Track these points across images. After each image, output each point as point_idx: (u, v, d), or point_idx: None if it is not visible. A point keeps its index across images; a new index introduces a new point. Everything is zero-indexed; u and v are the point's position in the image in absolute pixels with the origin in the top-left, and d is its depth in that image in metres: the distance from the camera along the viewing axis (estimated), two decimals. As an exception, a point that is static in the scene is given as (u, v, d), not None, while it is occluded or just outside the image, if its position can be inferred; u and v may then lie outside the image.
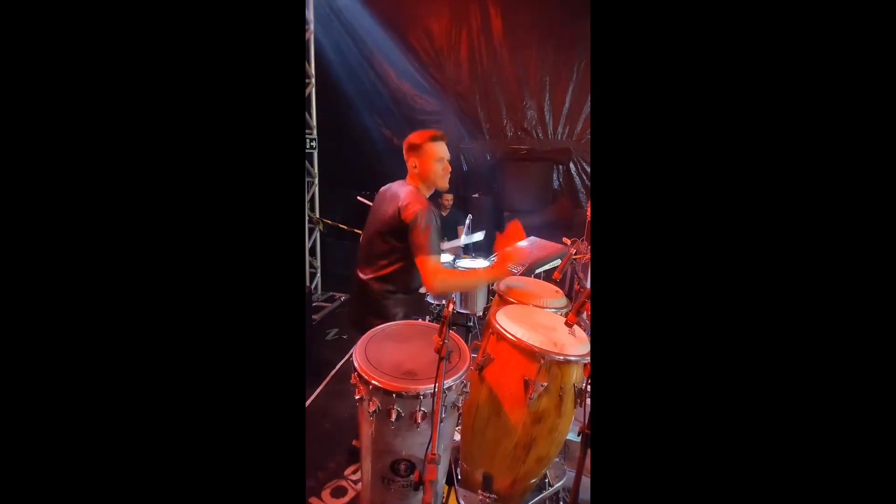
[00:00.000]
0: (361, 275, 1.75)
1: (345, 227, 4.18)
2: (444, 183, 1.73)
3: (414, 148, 1.68)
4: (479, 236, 2.68)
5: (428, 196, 1.72)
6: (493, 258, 2.26)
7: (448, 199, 4.13)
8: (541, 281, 2.15)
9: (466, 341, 1.89)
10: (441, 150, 1.69)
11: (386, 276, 1.70)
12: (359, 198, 2.96)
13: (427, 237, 1.54)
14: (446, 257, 2.51)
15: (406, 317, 1.78)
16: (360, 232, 1.99)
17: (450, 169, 1.74)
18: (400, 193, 1.66)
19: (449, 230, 4.03)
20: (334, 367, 2.90)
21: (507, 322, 1.51)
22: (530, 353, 1.38)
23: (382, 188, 1.82)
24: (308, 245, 4.14)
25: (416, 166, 1.69)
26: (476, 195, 4.49)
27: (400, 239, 1.62)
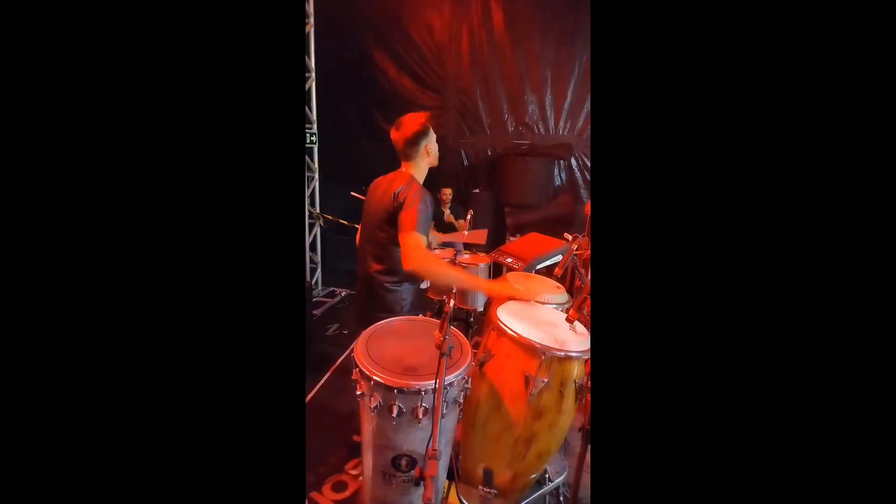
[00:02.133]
0: (366, 268, 1.75)
1: (345, 223, 4.18)
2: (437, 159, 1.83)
3: (423, 133, 1.72)
4: (482, 258, 2.59)
5: (422, 182, 1.73)
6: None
7: (447, 192, 4.12)
8: (542, 277, 2.15)
9: (467, 337, 1.89)
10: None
11: (391, 266, 1.70)
12: (352, 193, 2.95)
13: (414, 216, 1.53)
14: (447, 253, 2.50)
15: (413, 308, 1.78)
16: (359, 227, 1.98)
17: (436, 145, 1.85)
18: (396, 182, 1.67)
19: (448, 225, 4.02)
20: (335, 362, 2.90)
21: (508, 318, 1.51)
22: (531, 349, 1.38)
23: (376, 180, 1.82)
24: (308, 240, 4.14)
25: (428, 148, 1.74)
26: (477, 190, 4.48)
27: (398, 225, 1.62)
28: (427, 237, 1.58)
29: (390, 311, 1.70)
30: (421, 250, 1.51)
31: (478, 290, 1.60)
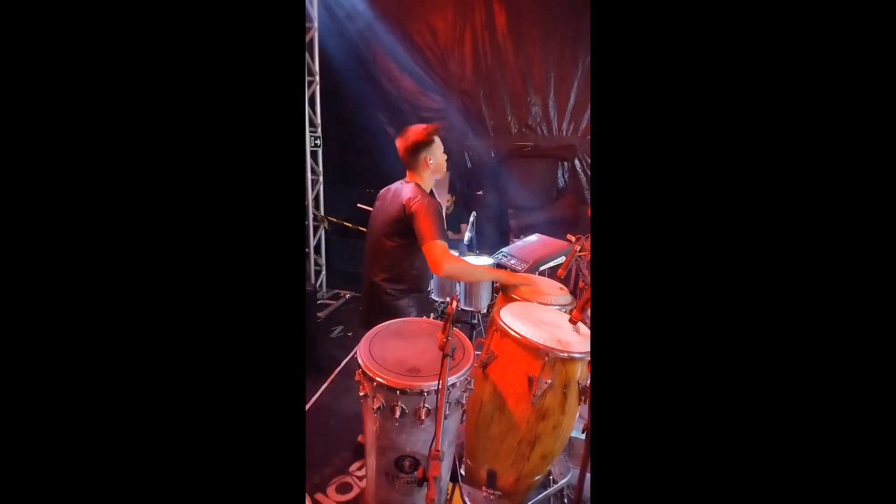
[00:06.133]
0: (371, 277, 1.76)
1: (349, 225, 4.19)
2: (445, 171, 1.84)
3: (426, 144, 1.72)
4: (485, 260, 2.59)
5: (429, 192, 1.73)
6: (500, 256, 2.26)
7: (448, 199, 4.12)
8: (545, 278, 2.15)
9: (470, 338, 1.89)
10: (441, 142, 1.79)
11: (395, 275, 1.71)
12: (359, 205, 2.98)
13: (431, 223, 1.55)
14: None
15: (417, 316, 1.79)
16: (364, 230, 2.00)
17: (446, 157, 1.84)
18: (402, 191, 1.68)
19: (451, 228, 4.02)
20: (339, 364, 2.91)
21: (511, 319, 1.51)
22: (534, 350, 1.38)
23: (383, 190, 1.83)
24: (313, 243, 4.16)
25: (430, 160, 1.73)
26: (480, 192, 4.48)
27: (406, 235, 1.63)
28: (447, 241, 1.60)
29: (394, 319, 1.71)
30: (448, 256, 1.54)
31: (500, 280, 1.78)
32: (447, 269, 1.53)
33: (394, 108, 4.67)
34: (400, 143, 1.73)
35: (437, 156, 1.75)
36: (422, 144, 1.70)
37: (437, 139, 1.75)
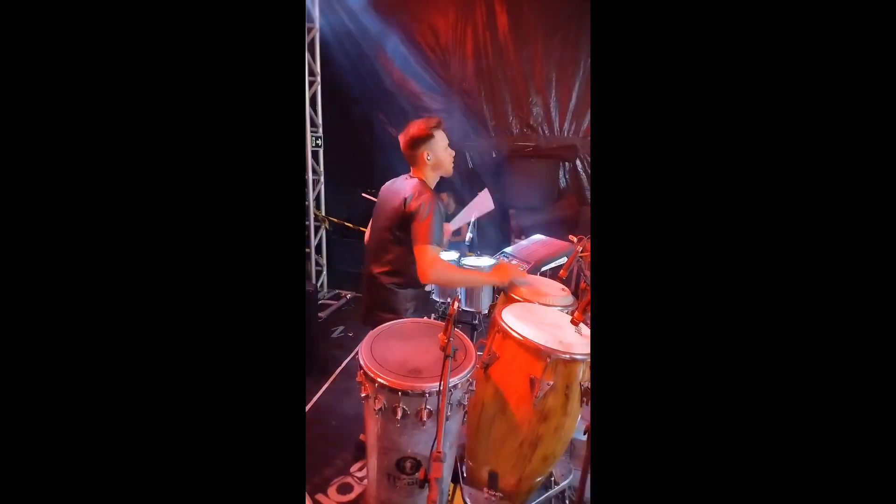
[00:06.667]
0: (370, 269, 1.76)
1: (350, 225, 4.19)
2: (451, 168, 1.77)
3: (425, 139, 1.69)
4: (487, 261, 2.57)
5: (433, 188, 1.72)
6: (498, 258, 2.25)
7: (443, 198, 4.12)
8: (547, 279, 2.14)
9: (472, 339, 1.89)
10: (445, 137, 1.74)
11: (395, 269, 1.70)
12: (363, 194, 2.97)
13: (427, 227, 1.54)
14: (451, 255, 2.50)
15: (416, 311, 1.78)
16: (364, 230, 1.98)
17: (453, 153, 1.78)
18: (406, 186, 1.67)
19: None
20: (340, 365, 2.91)
21: (513, 320, 1.51)
22: (536, 352, 1.38)
23: (387, 183, 1.82)
24: (314, 243, 4.15)
25: (429, 156, 1.70)
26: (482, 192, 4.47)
27: (406, 231, 1.62)
28: (441, 245, 1.59)
29: (393, 312, 1.71)
30: (437, 264, 1.53)
31: (490, 284, 1.71)
32: (432, 276, 1.53)
33: (395, 108, 4.67)
34: (401, 138, 1.72)
35: (436, 151, 1.70)
36: (420, 139, 1.68)
37: (437, 134, 1.69)
